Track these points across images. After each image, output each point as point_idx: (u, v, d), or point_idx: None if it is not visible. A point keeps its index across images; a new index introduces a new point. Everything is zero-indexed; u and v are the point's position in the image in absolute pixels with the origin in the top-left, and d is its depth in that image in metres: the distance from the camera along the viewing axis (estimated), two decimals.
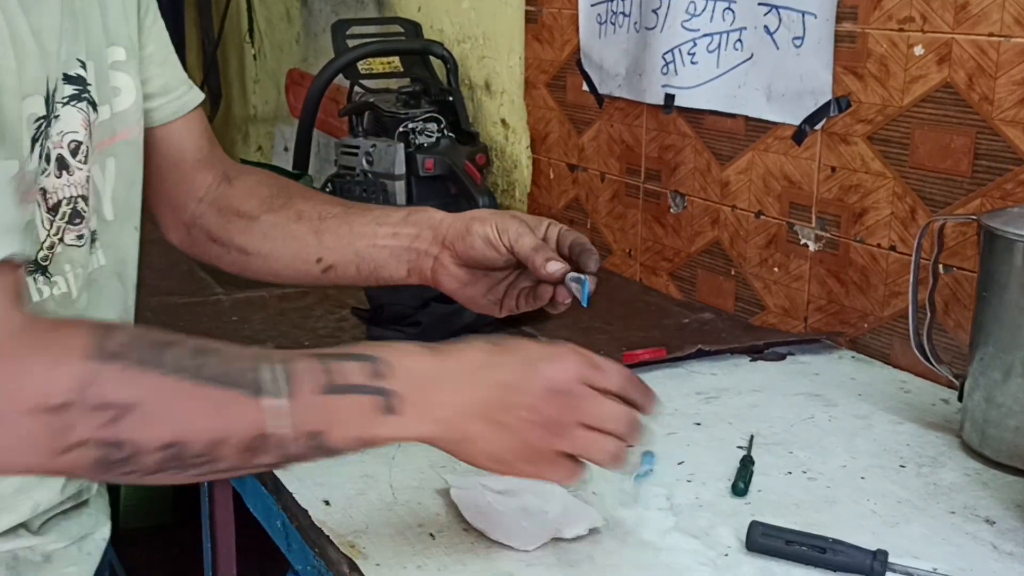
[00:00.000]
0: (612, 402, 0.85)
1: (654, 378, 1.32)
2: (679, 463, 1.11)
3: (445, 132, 2.01)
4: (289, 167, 2.28)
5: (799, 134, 1.48)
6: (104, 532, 1.11)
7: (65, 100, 0.95)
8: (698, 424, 1.21)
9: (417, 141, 1.99)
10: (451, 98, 2.06)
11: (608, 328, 1.56)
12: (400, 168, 1.98)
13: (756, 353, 1.43)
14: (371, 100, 2.07)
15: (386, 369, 0.80)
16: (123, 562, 2.02)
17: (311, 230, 1.12)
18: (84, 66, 0.97)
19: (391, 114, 2.03)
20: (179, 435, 0.74)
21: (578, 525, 0.96)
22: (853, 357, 1.43)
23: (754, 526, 0.95)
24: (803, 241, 1.50)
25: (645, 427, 0.88)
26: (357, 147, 2.02)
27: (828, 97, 1.42)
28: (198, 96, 1.19)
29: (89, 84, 0.97)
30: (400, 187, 1.98)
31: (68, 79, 0.95)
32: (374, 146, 1.99)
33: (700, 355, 1.39)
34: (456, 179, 1.95)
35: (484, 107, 2.14)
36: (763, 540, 0.94)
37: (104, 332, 0.75)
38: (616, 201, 1.84)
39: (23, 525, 0.99)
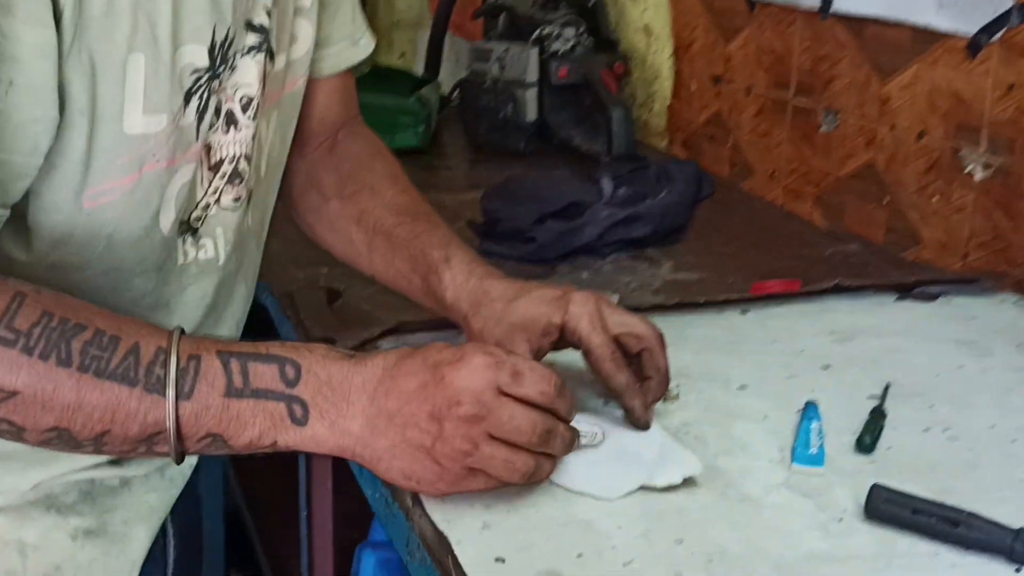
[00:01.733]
0: (524, 411, 0.77)
1: (783, 313, 1.19)
2: (798, 410, 0.98)
3: (583, 38, 1.88)
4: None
5: (973, 46, 1.29)
6: (191, 460, 1.05)
7: (244, 50, 0.87)
8: (826, 368, 1.08)
9: (552, 47, 1.87)
10: (591, 3, 1.92)
11: (741, 255, 1.43)
12: (532, 75, 1.86)
13: (904, 291, 1.27)
14: (507, 2, 1.95)
15: (297, 374, 0.75)
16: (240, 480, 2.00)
17: (365, 241, 1.05)
18: (269, 14, 0.89)
19: (527, 17, 1.91)
20: (66, 424, 0.73)
21: (672, 472, 0.85)
22: (1016, 302, 1.25)
23: (876, 490, 0.82)
24: (969, 168, 1.32)
25: (566, 436, 0.80)
26: (490, 51, 1.91)
27: (1010, 3, 1.24)
28: (357, 54, 1.09)
29: (270, 32, 0.90)
30: (531, 95, 1.87)
31: (251, 28, 0.88)
32: (507, 50, 1.88)
33: (838, 290, 1.25)
34: (591, 88, 1.83)
35: (627, 13, 2.00)
36: (885, 507, 0.81)
37: (17, 307, 0.72)
38: (761, 117, 1.68)
39: None
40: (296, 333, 1.15)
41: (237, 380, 0.75)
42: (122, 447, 0.76)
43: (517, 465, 0.77)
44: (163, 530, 1.04)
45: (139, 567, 0.98)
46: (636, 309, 1.16)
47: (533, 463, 0.77)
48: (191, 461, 1.05)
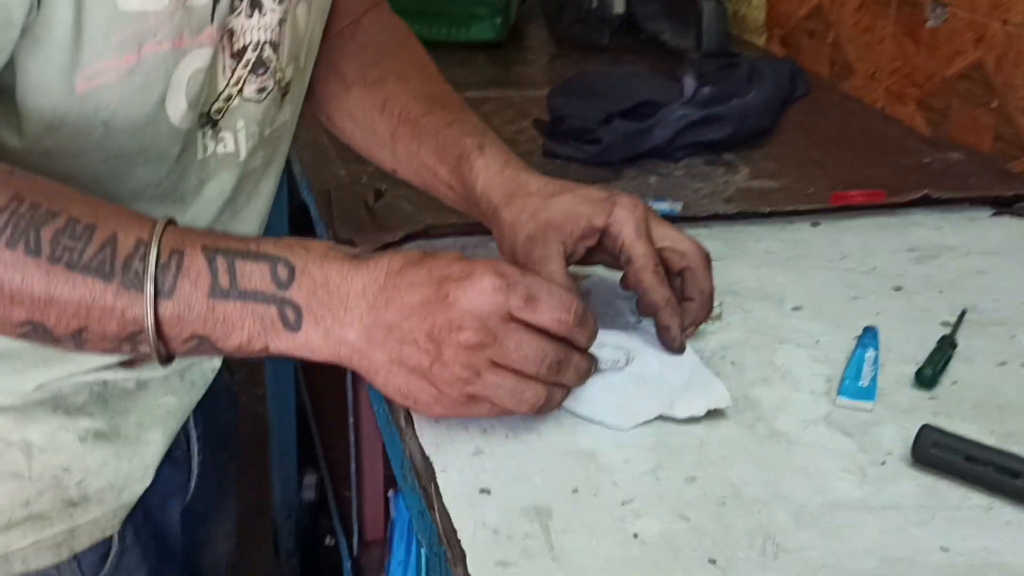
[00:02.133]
0: (535, 339, 0.68)
1: (860, 227, 1.08)
2: (855, 336, 0.88)
3: None
4: None
5: None
6: (214, 362, 1.00)
7: None
8: (898, 289, 0.96)
9: None
10: None
11: (827, 162, 1.30)
12: None
13: (1002, 205, 1.14)
14: None
15: (290, 275, 0.68)
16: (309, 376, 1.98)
17: (388, 130, 0.96)
18: None
19: None
20: (39, 319, 0.67)
21: (696, 403, 0.76)
22: None
23: (926, 431, 0.72)
24: None
25: (581, 366, 0.71)
26: None
27: None
28: None
29: None
30: None
31: None
32: None
33: (927, 203, 1.12)
34: None
35: None
36: (935, 451, 0.71)
37: None
38: (864, 10, 1.53)
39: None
40: (328, 234, 1.09)
41: (223, 280, 0.68)
42: (103, 345, 0.71)
43: (525, 395, 0.69)
44: (185, 433, 1.00)
45: (153, 471, 0.94)
46: (694, 219, 1.07)
47: (543, 393, 0.69)
48: (214, 363, 1.00)
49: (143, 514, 0.94)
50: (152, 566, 0.96)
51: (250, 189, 0.92)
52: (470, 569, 0.62)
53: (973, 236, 1.07)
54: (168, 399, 0.95)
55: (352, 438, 1.36)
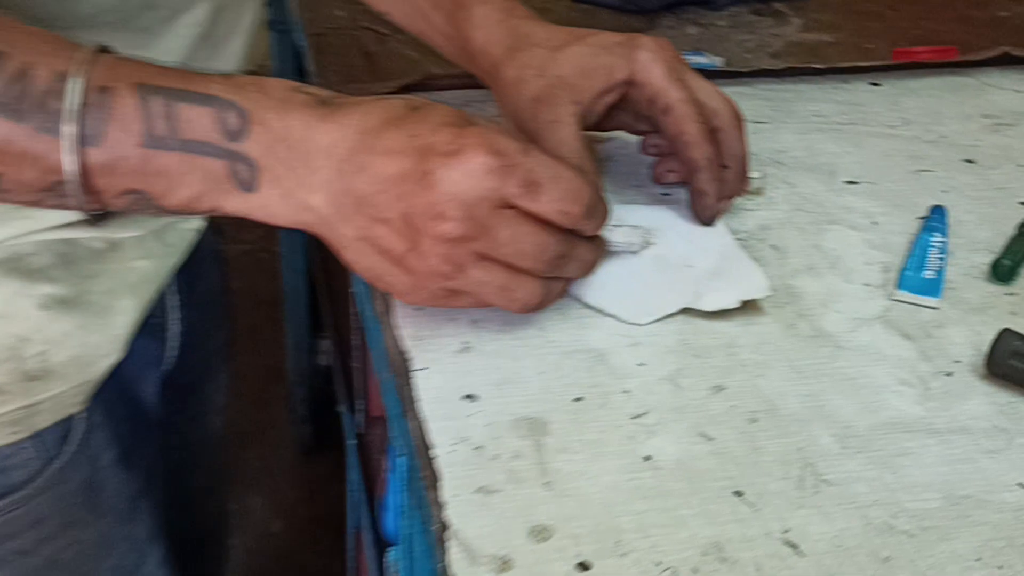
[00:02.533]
0: (533, 231, 0.56)
1: (926, 88, 0.93)
2: (919, 217, 0.75)
3: None
4: None
5: None
6: (194, 221, 0.89)
7: None
8: (970, 162, 0.83)
9: None
10: None
11: (892, 14, 1.14)
12: None
13: None
14: None
15: (243, 124, 0.56)
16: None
17: None
18: None
19: None
20: None
21: (727, 293, 0.64)
22: None
23: (1005, 337, 0.60)
24: None
25: (587, 259, 0.60)
26: None
27: None
28: None
29: None
30: None
31: None
32: None
33: (1005, 61, 0.97)
34: None
35: None
36: (1015, 363, 0.59)
37: None
38: None
39: None
40: (318, 82, 0.96)
41: (159, 126, 0.56)
42: (25, 196, 0.60)
43: (517, 294, 0.57)
44: (163, 301, 0.90)
45: (125, 343, 0.84)
46: (736, 75, 0.93)
47: (539, 291, 0.58)
48: (194, 223, 0.89)
49: (116, 390, 0.85)
50: (124, 446, 0.87)
51: (230, 20, 0.79)
52: (443, 494, 0.51)
53: None
54: (142, 263, 0.84)
55: (354, 308, 1.26)
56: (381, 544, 1.15)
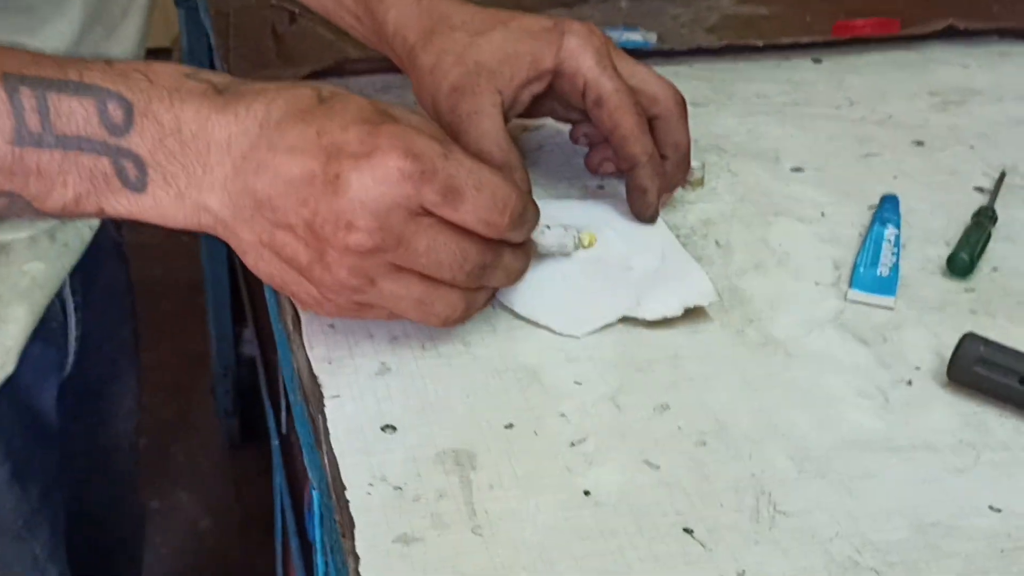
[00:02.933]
0: (453, 240, 0.51)
1: (871, 65, 0.89)
2: (870, 206, 0.70)
3: None
4: None
5: None
6: (92, 221, 0.81)
7: None
8: (919, 144, 0.78)
9: None
10: None
11: None
12: None
13: None
14: None
15: (128, 116, 0.49)
16: None
17: None
18: None
19: None
20: None
21: (670, 300, 0.59)
22: None
23: (969, 343, 0.55)
24: None
25: (513, 267, 0.54)
26: None
27: None
28: None
29: None
30: None
31: None
32: None
33: (951, 35, 0.93)
34: None
35: None
36: (980, 370, 0.55)
37: None
38: None
39: None
40: (223, 67, 0.88)
41: (32, 121, 0.50)
42: None
43: (435, 308, 0.52)
44: (61, 303, 0.82)
45: (16, 355, 0.77)
46: (671, 54, 0.88)
47: (460, 305, 0.52)
48: (92, 221, 0.82)
49: (8, 403, 0.78)
50: (18, 462, 0.80)
51: (122, 2, 0.72)
52: (358, 546, 0.45)
53: (1006, 76, 0.89)
54: (34, 266, 0.77)
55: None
56: (308, 549, 1.09)
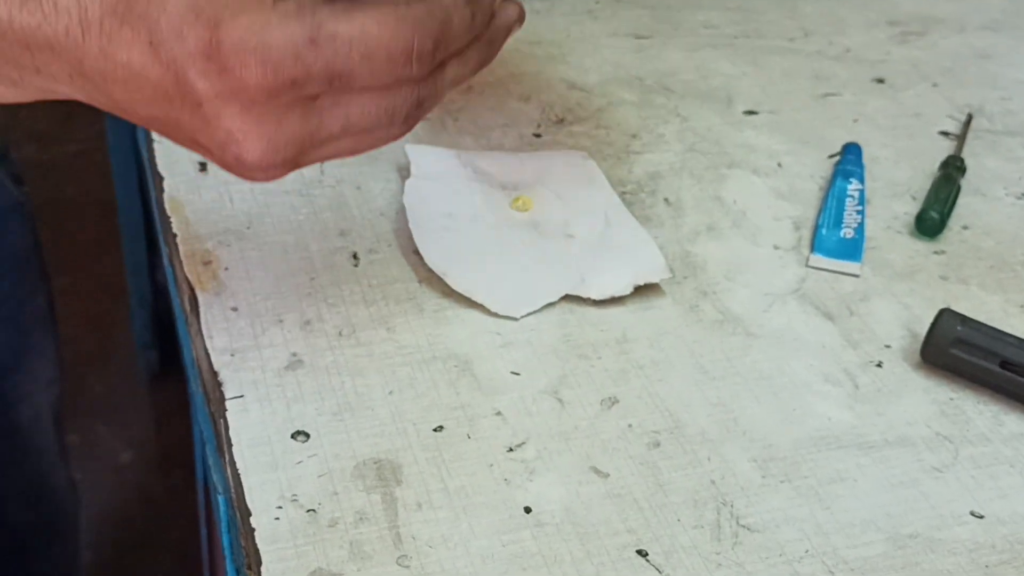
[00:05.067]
0: (366, 103, 0.40)
1: None
2: (831, 155, 0.64)
3: None
4: None
5: None
6: None
7: None
8: (880, 82, 0.72)
9: None
10: None
11: None
12: None
13: None
14: None
15: None
16: None
17: None
18: None
19: None
20: None
21: (617, 277, 0.53)
22: None
23: (945, 321, 0.50)
24: None
25: (470, 61, 0.43)
26: None
27: None
28: None
29: None
30: None
31: None
32: None
33: None
34: None
35: None
36: (957, 353, 0.49)
37: None
38: None
39: None
40: None
41: None
42: None
43: (385, 135, 0.42)
44: None
45: None
46: None
47: (406, 126, 0.42)
48: None
49: None
50: None
51: None
52: None
53: (969, 5, 0.83)
54: None
55: None
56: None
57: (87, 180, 2.18)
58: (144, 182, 1.66)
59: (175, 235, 0.54)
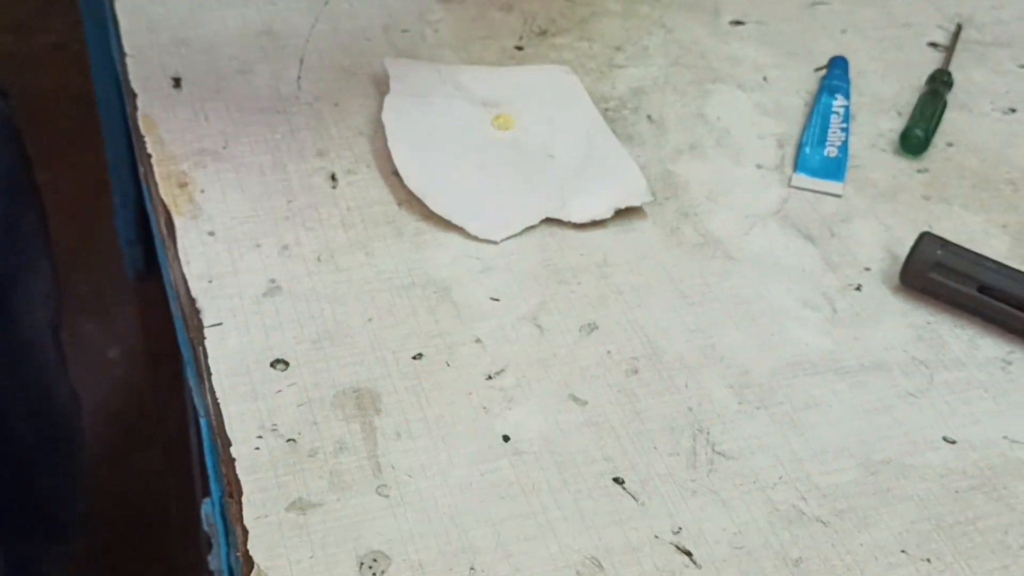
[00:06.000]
0: None
1: None
2: (817, 69, 0.63)
3: None
4: None
5: None
6: None
7: None
8: None
9: None
10: None
11: None
12: None
13: None
14: None
15: None
16: None
17: None
18: None
19: None
20: None
21: (596, 198, 0.52)
22: None
23: (925, 245, 0.50)
24: None
25: None
26: None
27: None
28: None
29: None
30: None
31: None
32: None
33: None
34: None
35: None
36: (935, 277, 0.50)
37: None
38: None
39: None
40: None
41: None
42: None
43: None
44: None
45: None
46: None
47: None
48: None
49: None
50: None
51: None
52: (246, 516, 0.40)
53: None
54: None
55: None
56: None
57: (64, 72, 2.14)
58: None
59: (150, 155, 0.53)
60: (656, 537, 0.41)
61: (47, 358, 0.92)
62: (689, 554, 0.40)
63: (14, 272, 0.85)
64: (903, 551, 0.41)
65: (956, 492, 0.43)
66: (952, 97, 0.62)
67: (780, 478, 0.43)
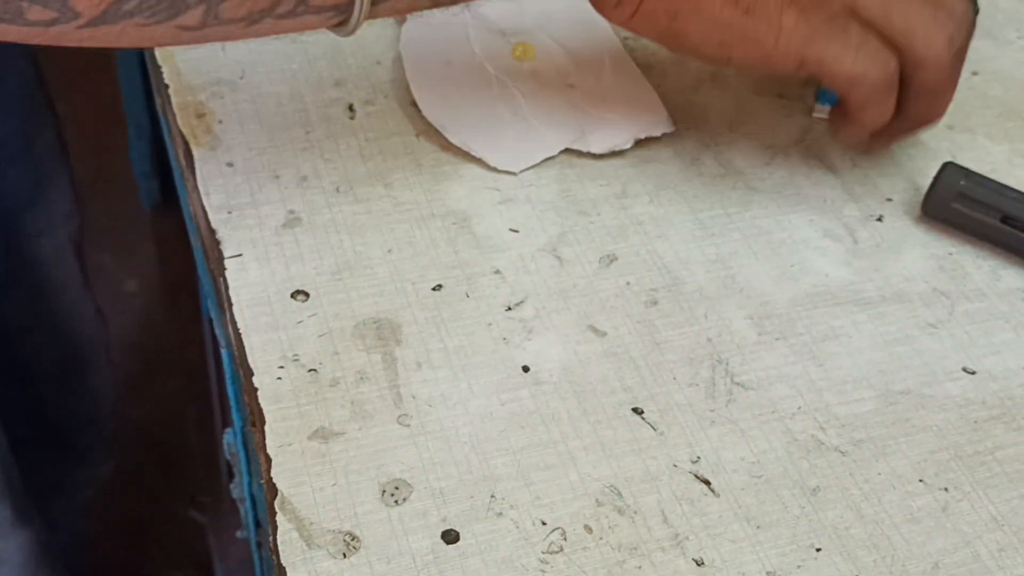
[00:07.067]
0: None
1: None
2: None
3: None
4: None
5: None
6: None
7: None
8: None
9: None
10: None
11: None
12: None
13: None
14: None
15: None
16: None
17: None
18: None
19: None
20: None
21: (617, 129, 0.52)
22: None
23: (949, 174, 0.49)
24: None
25: None
26: None
27: None
28: None
29: None
30: None
31: None
32: None
33: None
34: None
35: None
36: (958, 207, 0.49)
37: None
38: None
39: None
40: None
41: None
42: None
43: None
44: None
45: None
46: None
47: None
48: None
49: None
50: None
51: None
52: (269, 445, 0.40)
53: None
54: None
55: None
56: None
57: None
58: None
59: (167, 86, 0.53)
60: (675, 466, 0.41)
61: (70, 277, 0.93)
62: (707, 483, 0.41)
63: (34, 189, 0.85)
64: (921, 480, 0.41)
65: (975, 422, 0.43)
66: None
67: (799, 408, 0.43)
